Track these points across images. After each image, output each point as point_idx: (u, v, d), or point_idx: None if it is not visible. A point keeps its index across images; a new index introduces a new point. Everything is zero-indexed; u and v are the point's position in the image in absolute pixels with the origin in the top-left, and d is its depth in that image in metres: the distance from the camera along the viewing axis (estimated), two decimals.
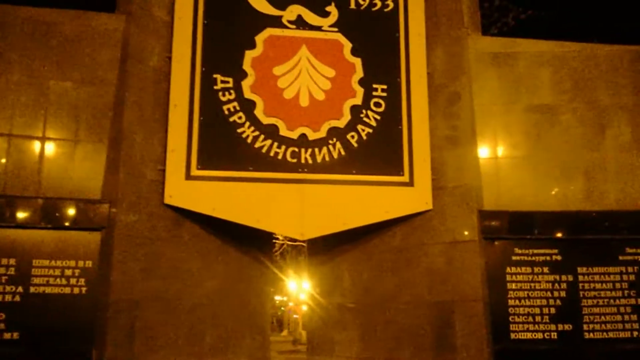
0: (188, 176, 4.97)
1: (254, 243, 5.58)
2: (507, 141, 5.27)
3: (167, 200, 4.91)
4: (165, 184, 4.94)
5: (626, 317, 4.91)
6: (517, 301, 4.92)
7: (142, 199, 4.83)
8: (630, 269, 5.00)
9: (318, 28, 5.39)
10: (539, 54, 5.42)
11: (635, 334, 4.88)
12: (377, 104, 5.34)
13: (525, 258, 5.02)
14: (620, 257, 5.03)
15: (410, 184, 5.24)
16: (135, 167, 4.83)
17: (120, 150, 4.77)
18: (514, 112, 5.33)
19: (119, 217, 4.67)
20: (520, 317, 4.89)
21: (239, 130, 5.10)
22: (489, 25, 5.33)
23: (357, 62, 5.38)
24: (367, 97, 5.33)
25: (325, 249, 5.70)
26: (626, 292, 4.96)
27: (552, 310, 4.91)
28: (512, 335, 4.85)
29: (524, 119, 5.31)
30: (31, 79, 4.74)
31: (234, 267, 5.40)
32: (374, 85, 5.36)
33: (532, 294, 4.94)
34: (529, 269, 4.99)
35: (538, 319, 4.89)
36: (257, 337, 5.41)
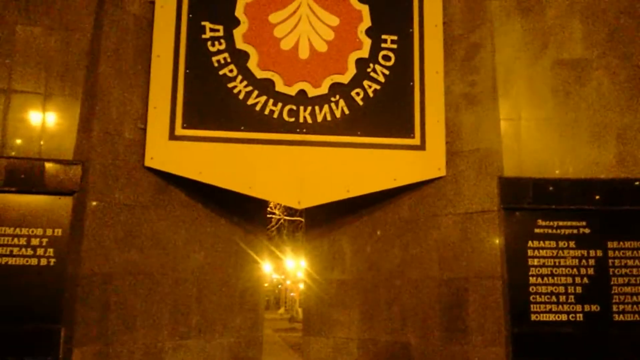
0: (172, 136, 4.42)
1: (246, 213, 5.06)
2: (531, 100, 4.67)
3: (148, 162, 4.38)
4: (146, 145, 4.41)
5: None
6: (539, 279, 4.39)
7: (120, 160, 4.30)
8: None
9: None
10: (570, 2, 4.78)
11: None
12: (386, 57, 4.75)
13: (549, 231, 4.48)
14: None
15: (422, 147, 4.68)
16: (111, 125, 4.29)
17: (94, 106, 4.23)
18: (539, 68, 4.72)
19: (93, 181, 4.15)
20: (543, 296, 4.37)
21: (229, 85, 4.53)
22: None
23: (364, 9, 4.77)
24: (375, 49, 4.74)
25: (325, 220, 5.17)
26: None
27: (578, 289, 4.38)
28: (533, 317, 4.34)
29: (551, 76, 4.70)
30: None
31: (223, 239, 4.89)
32: (383, 36, 4.76)
33: (556, 271, 4.41)
34: (553, 243, 4.45)
35: (562, 299, 4.37)
36: (249, 316, 4.93)
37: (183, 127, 4.42)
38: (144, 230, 4.38)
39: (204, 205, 4.74)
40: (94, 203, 4.15)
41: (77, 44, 4.29)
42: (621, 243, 4.46)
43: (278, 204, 15.47)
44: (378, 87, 4.70)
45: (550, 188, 4.50)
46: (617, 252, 4.45)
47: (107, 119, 4.27)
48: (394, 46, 4.76)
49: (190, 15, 4.54)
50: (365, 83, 4.69)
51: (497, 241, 4.36)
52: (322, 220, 5.16)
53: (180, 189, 4.56)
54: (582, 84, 4.67)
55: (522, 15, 4.79)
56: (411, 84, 4.74)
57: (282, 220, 17.38)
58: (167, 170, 4.41)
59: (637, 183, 4.44)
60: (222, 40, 4.56)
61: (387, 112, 4.68)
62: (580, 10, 4.76)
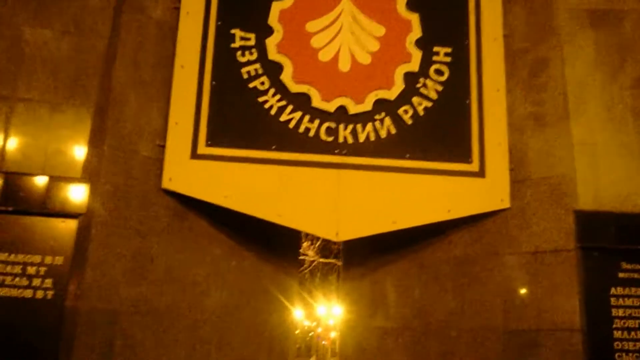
0: (194, 154, 3.89)
1: (277, 248, 4.46)
2: (608, 123, 4.00)
3: (166, 184, 3.83)
4: (164, 164, 3.87)
5: None
6: (625, 333, 3.62)
7: (133, 180, 3.76)
8: None
9: None
10: None
11: None
12: (439, 72, 4.17)
13: (636, 276, 3.73)
14: None
15: (481, 174, 4.02)
16: (126, 141, 3.78)
17: (107, 119, 3.74)
18: (617, 86, 4.06)
19: (101, 203, 3.61)
20: (630, 354, 3.60)
21: (260, 99, 4.00)
22: None
23: (414, 18, 4.23)
24: (426, 62, 4.16)
25: (365, 258, 4.51)
26: None
27: None
28: None
29: (631, 96, 4.04)
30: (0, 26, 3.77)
31: (250, 276, 4.26)
32: (435, 48, 4.19)
33: None
34: None
35: None
36: None
37: (207, 145, 3.88)
38: (158, 262, 3.80)
39: (229, 236, 4.15)
40: (102, 228, 3.60)
41: (91, 50, 3.84)
42: None
43: (311, 244, 14.73)
44: (429, 104, 4.10)
45: (636, 224, 3.78)
46: None
47: (121, 133, 3.76)
48: (448, 59, 4.18)
49: (219, 22, 4.08)
50: (415, 100, 4.10)
51: (575, 286, 3.63)
52: (362, 258, 4.50)
53: (201, 216, 3.98)
54: None
55: (595, 26, 4.17)
56: (467, 101, 4.13)
57: (315, 262, 16.44)
58: (187, 193, 3.85)
59: None
60: (253, 50, 4.07)
61: (440, 133, 4.06)
62: None
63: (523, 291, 3.78)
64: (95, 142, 3.71)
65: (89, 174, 3.65)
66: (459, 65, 4.19)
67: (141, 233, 3.74)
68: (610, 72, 4.09)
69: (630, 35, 4.15)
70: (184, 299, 3.88)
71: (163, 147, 3.89)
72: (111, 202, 3.66)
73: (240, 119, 3.96)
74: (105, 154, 3.68)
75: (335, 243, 4.17)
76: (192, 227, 3.98)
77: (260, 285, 4.33)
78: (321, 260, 16.28)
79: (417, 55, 4.16)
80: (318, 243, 15.13)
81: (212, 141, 3.91)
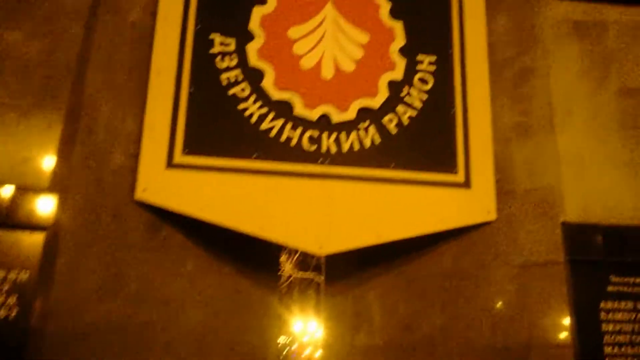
0: (170, 163, 3.69)
1: (256, 261, 4.24)
2: (594, 133, 3.97)
3: (140, 194, 3.63)
4: (138, 173, 3.65)
5: None
6: (615, 348, 3.54)
7: (105, 191, 3.55)
8: None
9: None
10: (634, 23, 4.17)
11: None
12: (423, 81, 4.08)
13: (625, 289, 3.66)
14: None
15: (467, 184, 3.93)
16: (98, 149, 3.58)
17: (78, 125, 3.53)
18: (602, 97, 4.04)
19: (71, 215, 3.40)
20: None
21: (240, 107, 3.84)
22: None
23: (398, 26, 4.14)
24: (410, 71, 4.07)
25: (348, 272, 4.35)
26: None
27: None
28: None
29: (617, 106, 4.02)
30: None
31: (228, 292, 4.04)
32: (419, 57, 4.10)
33: (636, 338, 3.57)
34: (630, 304, 3.64)
35: None
36: None
37: (184, 153, 3.69)
38: (131, 278, 3.57)
39: (206, 250, 3.94)
40: (71, 242, 3.39)
41: (64, 52, 3.64)
42: None
43: (289, 257, 14.43)
44: (414, 113, 4.00)
45: (625, 237, 3.72)
46: None
47: (92, 141, 3.56)
48: (432, 68, 4.10)
49: (199, 26, 3.91)
50: (400, 109, 3.99)
51: (565, 300, 3.54)
52: (345, 272, 4.34)
53: (177, 229, 3.77)
54: None
55: (580, 37, 4.16)
56: (452, 111, 4.04)
57: (292, 278, 16.08)
58: (162, 204, 3.64)
59: None
60: (233, 56, 3.91)
61: (425, 142, 3.96)
62: None
63: (512, 306, 3.67)
64: (65, 150, 3.50)
65: (58, 183, 3.43)
66: (444, 74, 4.10)
67: (113, 247, 3.52)
68: (596, 83, 4.07)
69: (615, 46, 4.15)
70: (158, 317, 3.65)
71: (137, 155, 3.69)
72: (81, 214, 3.45)
73: (219, 126, 3.79)
74: (75, 162, 3.48)
75: (313, 257, 4.00)
76: (167, 240, 3.76)
77: (239, 301, 4.12)
78: (299, 275, 15.98)
79: (401, 63, 4.06)
80: (296, 257, 14.85)
81: (189, 150, 3.72)
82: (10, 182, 3.35)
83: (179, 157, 3.70)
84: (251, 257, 4.19)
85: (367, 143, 3.90)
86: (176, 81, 3.82)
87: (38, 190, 3.38)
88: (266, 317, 4.29)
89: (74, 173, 3.46)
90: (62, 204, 3.40)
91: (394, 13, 4.16)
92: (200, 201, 3.66)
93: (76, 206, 3.43)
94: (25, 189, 3.35)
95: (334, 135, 3.87)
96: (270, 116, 3.84)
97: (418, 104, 4.02)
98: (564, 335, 3.49)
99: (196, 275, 3.89)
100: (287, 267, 15.34)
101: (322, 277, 3.91)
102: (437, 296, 3.93)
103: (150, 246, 3.68)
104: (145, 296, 3.61)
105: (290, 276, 15.78)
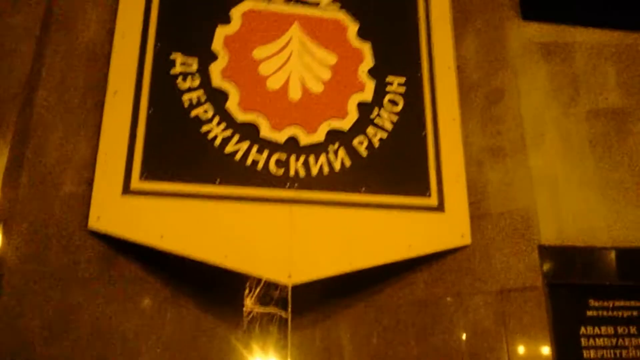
0: (126, 190, 3.44)
1: (218, 295, 4.01)
2: (567, 155, 3.90)
3: (93, 223, 3.36)
4: (92, 200, 3.39)
5: None
6: None
7: (55, 219, 3.27)
8: None
9: (314, 4, 4.08)
10: (601, 45, 4.16)
11: None
12: (393, 102, 3.96)
13: (604, 313, 3.55)
14: None
15: (440, 208, 3.79)
16: (47, 174, 3.31)
17: (26, 149, 3.27)
18: (573, 118, 4.00)
19: (16, 246, 3.10)
20: None
21: (203, 129, 3.64)
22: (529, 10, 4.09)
23: (366, 47, 4.04)
24: (380, 92, 3.96)
25: (316, 303, 4.13)
26: None
27: None
28: None
29: (588, 127, 3.98)
30: None
31: (188, 329, 3.78)
32: (388, 78, 4.00)
33: None
34: (610, 329, 3.52)
35: None
36: None
37: (142, 179, 3.46)
38: (83, 315, 3.27)
39: (164, 284, 3.67)
40: (16, 276, 3.09)
41: (12, 72, 3.40)
42: None
43: (250, 291, 14.12)
44: (385, 135, 3.87)
45: (602, 259, 3.63)
46: None
47: (42, 165, 3.29)
48: (402, 90, 4.00)
49: (158, 44, 3.72)
50: (370, 131, 3.86)
51: (546, 327, 3.39)
52: (313, 304, 4.11)
53: (133, 261, 3.50)
54: (625, 135, 3.94)
55: (548, 59, 4.13)
56: (423, 133, 3.93)
57: (253, 313, 15.69)
58: (117, 233, 3.38)
59: None
60: (195, 76, 3.73)
61: (396, 165, 3.82)
62: (613, 55, 4.13)
63: (491, 334, 3.50)
64: (12, 175, 3.23)
65: (3, 212, 3.15)
66: (414, 96, 4.01)
67: (62, 281, 3.22)
68: (566, 104, 4.03)
69: (583, 68, 4.13)
70: (112, 358, 3.35)
71: (91, 181, 3.43)
72: (28, 245, 3.16)
73: (180, 150, 3.57)
74: (22, 189, 3.20)
75: (277, 289, 3.78)
76: (122, 273, 3.48)
77: (199, 340, 3.85)
78: (260, 309, 15.58)
79: (370, 84, 3.95)
80: (257, 290, 14.49)
81: (147, 175, 3.49)
82: None
83: (136, 183, 3.46)
84: (213, 292, 3.95)
85: (337, 166, 3.74)
86: (134, 102, 3.61)
87: None
88: (230, 356, 4.03)
89: (20, 200, 3.17)
90: (7, 234, 3.11)
91: (362, 34, 4.06)
92: (158, 230, 3.41)
93: (23, 236, 3.14)
94: None
95: (302, 158, 3.70)
96: (235, 139, 3.65)
97: (389, 126, 3.90)
98: None
99: (153, 311, 3.61)
100: (248, 301, 14.93)
101: (288, 311, 3.67)
102: (411, 326, 3.74)
103: (104, 280, 3.39)
104: (98, 334, 3.31)
105: (251, 312, 15.33)
